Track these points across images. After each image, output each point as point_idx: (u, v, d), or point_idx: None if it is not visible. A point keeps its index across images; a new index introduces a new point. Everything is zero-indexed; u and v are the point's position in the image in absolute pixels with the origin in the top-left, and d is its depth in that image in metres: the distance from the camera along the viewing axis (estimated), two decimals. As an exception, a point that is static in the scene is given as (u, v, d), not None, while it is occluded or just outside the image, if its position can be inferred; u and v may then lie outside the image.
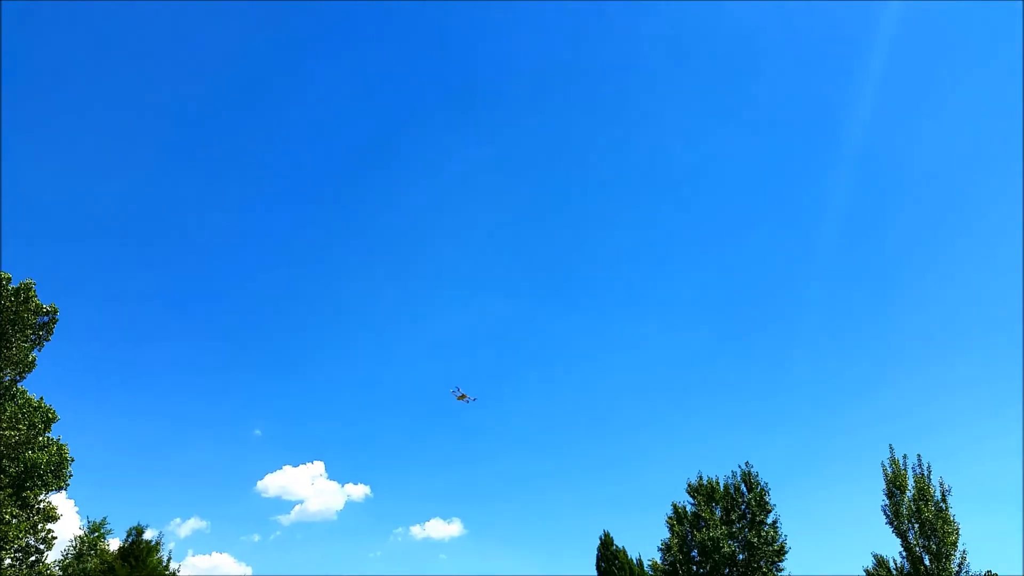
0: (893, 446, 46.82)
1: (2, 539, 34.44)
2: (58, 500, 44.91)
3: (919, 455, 45.79)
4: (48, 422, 39.35)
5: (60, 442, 41.66)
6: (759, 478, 57.77)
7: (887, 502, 44.69)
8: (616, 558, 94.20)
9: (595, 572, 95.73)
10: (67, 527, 49.32)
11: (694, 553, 57.56)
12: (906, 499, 44.01)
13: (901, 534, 43.59)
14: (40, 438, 38.60)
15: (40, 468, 38.50)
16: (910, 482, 44.84)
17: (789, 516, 65.85)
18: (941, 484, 44.58)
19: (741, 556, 55.33)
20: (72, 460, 42.20)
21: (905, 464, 45.63)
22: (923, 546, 42.78)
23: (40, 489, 39.42)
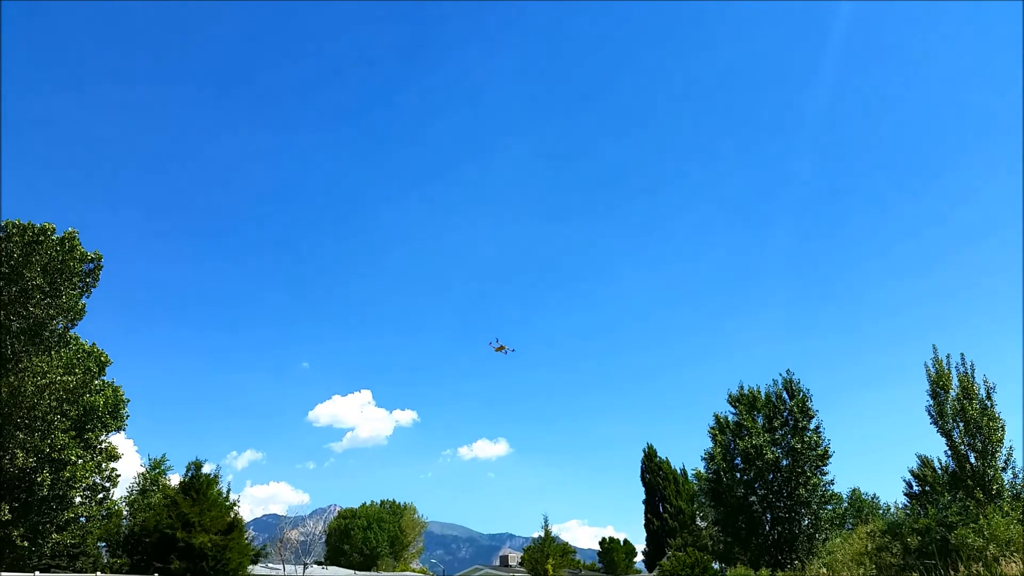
0: (936, 346, 46.50)
1: (71, 478, 35.81)
2: (117, 440, 46.64)
3: (962, 354, 45.49)
4: (102, 366, 40.49)
5: (115, 385, 42.94)
6: (801, 385, 57.90)
7: (931, 402, 44.61)
8: (660, 469, 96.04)
9: (640, 483, 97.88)
10: (129, 466, 51.36)
11: (737, 461, 58.28)
12: (950, 398, 43.89)
13: (946, 433, 43.65)
14: (95, 382, 39.72)
15: (98, 411, 39.76)
16: (954, 381, 44.67)
17: (833, 423, 66.50)
18: (985, 382, 44.37)
19: (785, 462, 55.93)
20: (128, 401, 43.55)
21: (948, 364, 45.37)
22: (968, 444, 42.83)
23: (100, 431, 40.80)
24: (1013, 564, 18.63)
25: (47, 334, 34.62)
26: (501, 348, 65.75)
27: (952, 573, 19.50)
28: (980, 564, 20.36)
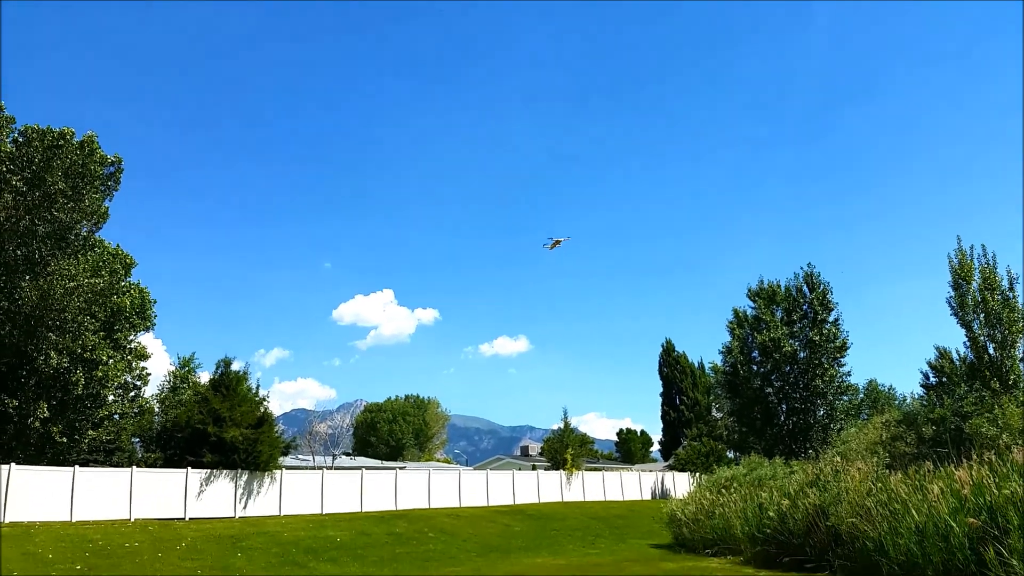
0: (960, 237, 46.03)
1: (104, 378, 36.81)
2: (146, 340, 47.58)
3: (983, 245, 44.96)
4: (128, 267, 40.92)
5: (141, 286, 43.55)
6: (821, 278, 57.89)
7: (952, 294, 44.47)
8: (678, 363, 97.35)
9: (658, 377, 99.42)
10: (159, 365, 52.52)
11: (755, 354, 58.99)
12: (972, 290, 43.72)
13: (966, 324, 43.66)
14: (122, 284, 40.27)
15: (126, 312, 40.44)
16: (976, 273, 44.40)
17: (854, 317, 66.25)
18: (1009, 273, 44.06)
19: (802, 354, 56.55)
20: (155, 302, 44.25)
21: (971, 255, 44.99)
22: (988, 335, 42.90)
23: (128, 331, 41.60)
24: (1025, 452, 18.98)
25: (72, 238, 34.96)
26: (556, 243, 65.53)
27: (964, 461, 19.90)
28: (992, 452, 20.74)
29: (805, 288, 57.78)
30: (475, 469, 64.24)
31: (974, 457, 20.09)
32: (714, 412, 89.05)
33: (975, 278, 43.89)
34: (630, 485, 57.20)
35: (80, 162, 33.31)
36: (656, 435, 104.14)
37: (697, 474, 54.06)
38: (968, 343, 44.06)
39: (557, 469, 54.01)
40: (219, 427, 36.23)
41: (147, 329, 44.11)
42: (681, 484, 57.66)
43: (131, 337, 42.13)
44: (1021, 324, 42.25)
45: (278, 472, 38.38)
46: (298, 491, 38.89)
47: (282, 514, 37.36)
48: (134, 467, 33.97)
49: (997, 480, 16.83)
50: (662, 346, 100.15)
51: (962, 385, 42.20)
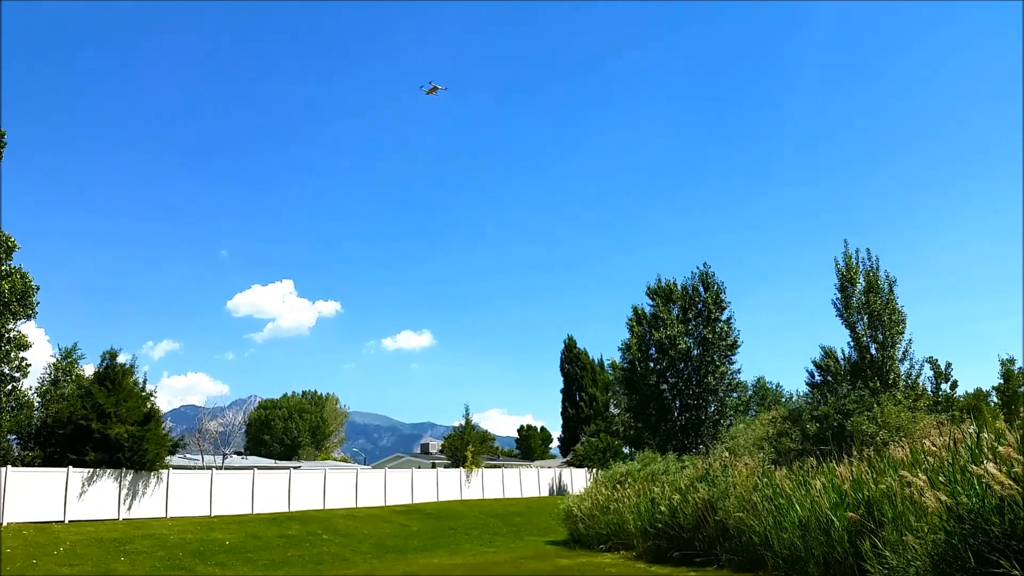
0: (848, 241, 48.13)
1: (-26, 370, 34.68)
2: (27, 329, 44.96)
3: (868, 249, 47.26)
4: (9, 250, 38.53)
5: (22, 271, 41.14)
6: (716, 279, 59.62)
7: (838, 296, 46.52)
8: (579, 360, 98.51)
9: (560, 373, 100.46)
10: (40, 355, 49.64)
11: (652, 351, 60.28)
12: (856, 292, 45.81)
13: (850, 326, 45.76)
14: (1, 267, 38.01)
15: (4, 297, 38.18)
16: (860, 276, 46.51)
17: (745, 315, 68.59)
18: (888, 276, 46.37)
19: (696, 352, 58.12)
20: (38, 288, 41.87)
21: (857, 258, 47.12)
22: (871, 336, 45.11)
23: (8, 318, 39.26)
24: (899, 449, 19.96)
25: (-59, 220, 32.79)
26: (433, 90, 65.46)
27: (845, 457, 20.78)
28: (871, 449, 21.74)
29: (701, 287, 59.40)
30: (373, 468, 63.39)
31: (855, 453, 20.99)
32: (612, 408, 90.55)
33: (859, 281, 45.98)
34: (529, 482, 57.58)
35: (-48, 138, 31.23)
36: (556, 432, 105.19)
37: (594, 470, 54.87)
38: (852, 343, 46.17)
39: (457, 467, 53.90)
40: (103, 423, 34.59)
41: (28, 317, 41.64)
42: (579, 480, 58.40)
43: (10, 325, 39.77)
44: (902, 326, 44.55)
45: (165, 472, 36.90)
46: (186, 492, 37.49)
47: (169, 516, 35.92)
48: (8, 466, 32.09)
49: (875, 475, 17.60)
50: (564, 343, 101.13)
51: (844, 384, 44.18)
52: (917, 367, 45.81)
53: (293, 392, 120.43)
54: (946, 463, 14.04)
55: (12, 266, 39.95)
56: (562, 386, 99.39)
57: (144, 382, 38.96)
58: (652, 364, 59.96)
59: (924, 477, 13.37)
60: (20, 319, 40.69)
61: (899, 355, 44.90)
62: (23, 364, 40.55)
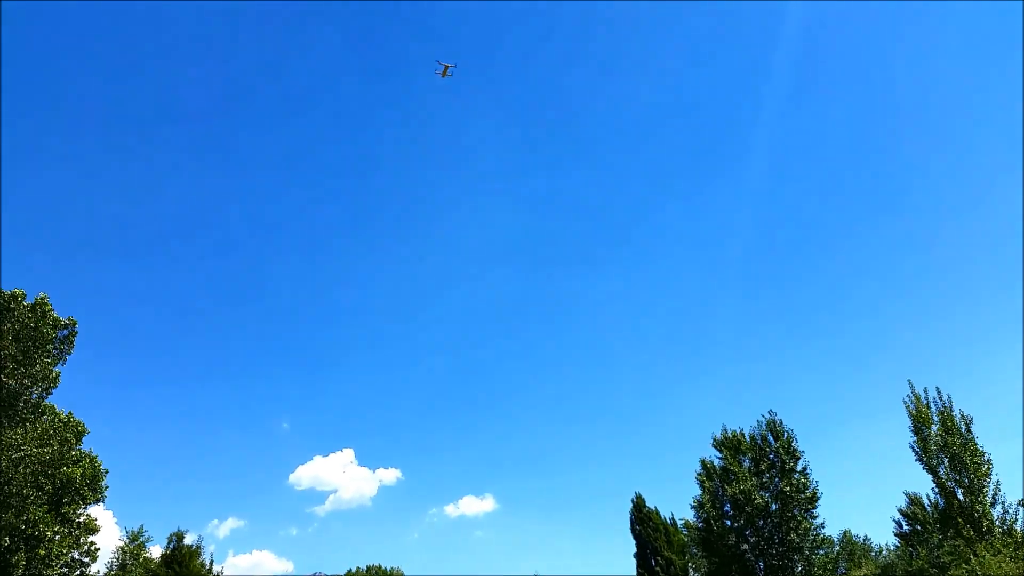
0: (912, 381, 46.60)
1: (47, 555, 34.85)
2: (96, 512, 45.42)
3: (938, 388, 45.63)
4: (79, 435, 39.67)
5: (92, 455, 42.04)
6: (784, 426, 57.82)
7: (914, 439, 44.61)
8: (650, 519, 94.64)
9: (631, 534, 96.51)
10: (109, 538, 49.85)
11: (727, 507, 57.76)
12: (932, 434, 43.88)
13: (932, 470, 43.54)
14: (72, 452, 38.92)
15: (76, 483, 38.86)
16: (934, 417, 44.70)
17: (816, 462, 65.77)
18: (963, 415, 44.42)
19: (774, 506, 55.49)
20: (106, 472, 42.61)
21: (927, 398, 45.45)
22: (955, 480, 42.73)
23: (78, 503, 39.83)
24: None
25: (21, 405, 34.03)
26: (445, 70, 66.24)
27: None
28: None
29: (770, 436, 57.49)
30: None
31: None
32: (691, 574, 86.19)
33: (934, 422, 44.20)
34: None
35: (32, 325, 32.92)
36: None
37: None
38: (936, 489, 43.80)
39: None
40: (170, 606, 34.18)
41: (98, 501, 42.25)
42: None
43: (80, 510, 40.28)
44: (987, 468, 42.23)
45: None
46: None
47: None
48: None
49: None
50: (632, 502, 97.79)
51: (935, 534, 41.58)
52: (1012, 512, 42.96)
53: (357, 568, 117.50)
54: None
55: (82, 451, 40.96)
56: (635, 550, 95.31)
57: (211, 563, 38.86)
58: (728, 522, 57.30)
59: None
60: (90, 503, 41.29)
61: (989, 499, 42.25)
62: (92, 549, 40.74)
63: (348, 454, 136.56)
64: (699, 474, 59.58)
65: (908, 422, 45.76)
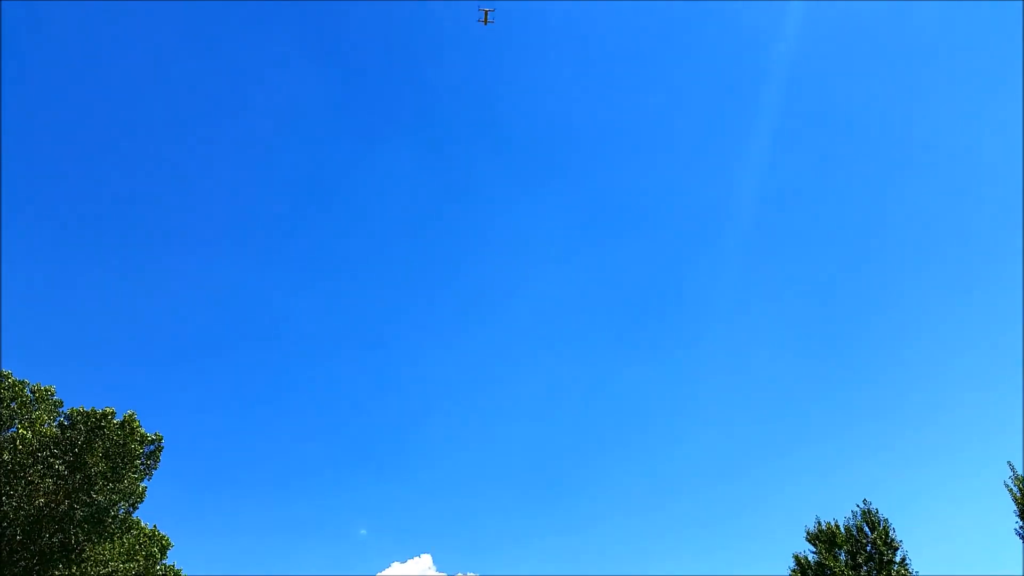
0: (1012, 463, 44.30)
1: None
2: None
3: (1042, 469, 43.22)
4: (163, 549, 40.39)
5: (176, 568, 42.64)
6: (880, 515, 55.39)
7: (1019, 523, 42.12)
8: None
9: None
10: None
11: (827, 606, 55.00)
12: (1041, 517, 41.40)
13: (1041, 555, 40.88)
14: (157, 568, 39.56)
15: (160, 603, 39.31)
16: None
17: (914, 551, 61.91)
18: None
19: (877, 603, 52.64)
20: (190, 588, 43.06)
21: (1030, 479, 43.09)
22: (1070, 564, 39.97)
23: (165, 624, 40.16)
24: None
25: (109, 520, 35.00)
26: (486, 16, 67.06)
27: None
28: None
29: (866, 528, 54.94)
30: None
31: None
32: None
33: (1040, 503, 41.82)
34: None
35: (120, 442, 34.19)
36: None
37: None
38: (1051, 576, 40.99)
39: None
40: None
41: (182, 618, 42.55)
42: None
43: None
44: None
45: None
46: None
47: None
48: None
49: None
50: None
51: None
52: None
53: None
54: None
55: (167, 565, 41.64)
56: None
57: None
58: (831, 622, 54.37)
59: None
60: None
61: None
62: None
63: (426, 560, 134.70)
64: (793, 571, 57.05)
65: (1012, 505, 43.35)
